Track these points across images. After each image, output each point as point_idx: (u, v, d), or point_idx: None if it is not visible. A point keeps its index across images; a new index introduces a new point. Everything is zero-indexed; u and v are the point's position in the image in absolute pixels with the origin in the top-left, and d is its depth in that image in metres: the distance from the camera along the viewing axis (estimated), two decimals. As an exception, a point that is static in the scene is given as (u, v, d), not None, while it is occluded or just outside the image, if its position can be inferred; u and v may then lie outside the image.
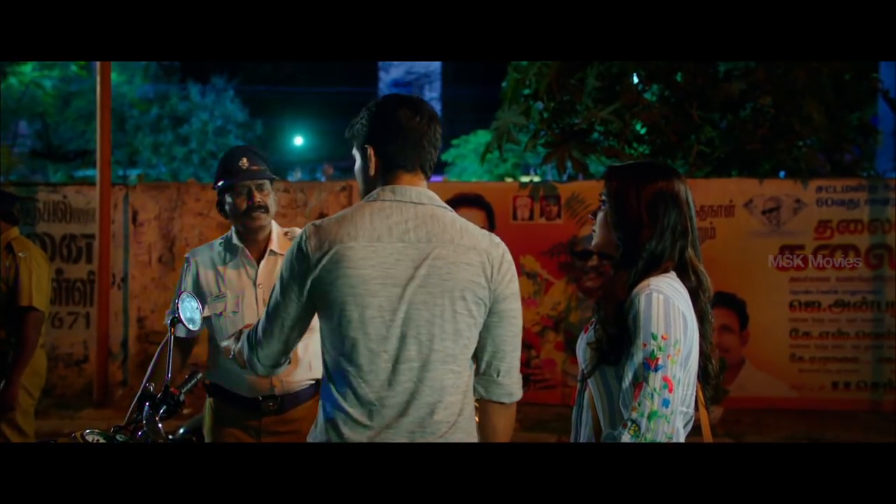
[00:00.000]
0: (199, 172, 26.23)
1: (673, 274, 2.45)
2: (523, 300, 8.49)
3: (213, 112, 27.83)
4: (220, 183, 3.55)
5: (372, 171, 2.42)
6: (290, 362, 2.53)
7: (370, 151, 2.42)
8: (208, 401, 3.63)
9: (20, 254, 4.61)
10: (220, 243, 3.62)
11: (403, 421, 2.29)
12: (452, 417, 2.33)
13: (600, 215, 2.54)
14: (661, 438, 2.30)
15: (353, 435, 2.29)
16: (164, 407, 3.04)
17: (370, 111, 2.44)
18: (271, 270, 3.55)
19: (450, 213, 2.40)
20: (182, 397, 3.11)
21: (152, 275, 8.02)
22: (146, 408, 3.04)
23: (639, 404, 2.29)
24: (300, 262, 2.33)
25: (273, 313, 2.40)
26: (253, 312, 3.49)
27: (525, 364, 7.74)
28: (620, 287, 2.42)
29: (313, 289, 2.32)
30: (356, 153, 2.49)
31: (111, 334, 7.96)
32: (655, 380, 2.29)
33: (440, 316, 2.30)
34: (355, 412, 2.30)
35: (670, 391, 2.30)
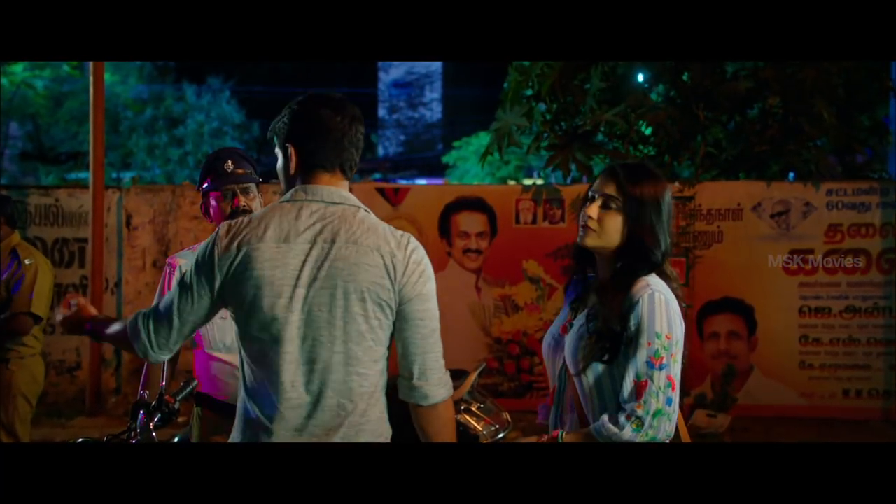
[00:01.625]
0: (195, 175, 26.16)
1: (654, 275, 2.54)
2: (526, 305, 8.41)
3: (209, 113, 27.86)
4: (204, 185, 3.55)
5: (292, 170, 2.47)
6: (171, 352, 2.56)
7: (291, 150, 2.46)
8: (195, 410, 3.63)
9: (26, 261, 4.69)
10: None
11: (310, 424, 2.35)
12: (357, 419, 2.37)
13: (611, 217, 2.55)
14: (662, 436, 2.40)
15: (262, 440, 2.39)
16: (159, 415, 3.05)
17: (292, 109, 2.48)
18: None
19: (361, 214, 2.43)
20: (177, 405, 3.12)
21: (146, 280, 8.02)
22: (140, 416, 3.04)
23: (644, 402, 2.37)
24: (208, 261, 2.41)
25: (173, 301, 2.49)
26: None
27: (528, 371, 7.74)
28: (628, 285, 2.49)
29: (224, 289, 2.40)
30: (278, 151, 2.52)
31: (104, 341, 7.96)
32: (660, 378, 2.39)
33: (341, 318, 2.35)
34: (262, 416, 2.38)
35: (673, 390, 2.41)
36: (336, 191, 2.44)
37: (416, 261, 2.39)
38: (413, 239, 2.43)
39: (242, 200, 3.51)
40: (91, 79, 8.01)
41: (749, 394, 7.58)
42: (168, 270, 3.60)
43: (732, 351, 7.57)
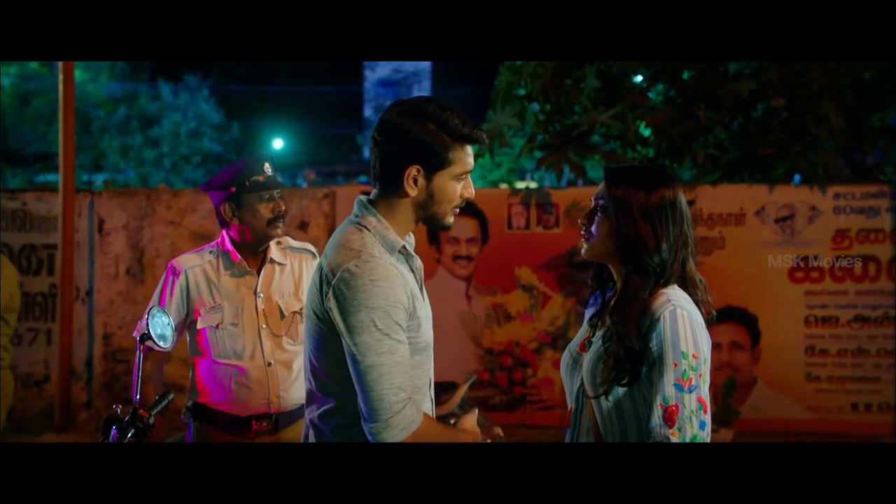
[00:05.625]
0: (171, 178, 26.20)
1: (675, 286, 2.50)
2: (519, 314, 8.41)
3: (185, 113, 27.81)
4: (243, 187, 3.62)
5: None
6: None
7: None
8: (193, 425, 3.66)
9: None
10: (212, 252, 3.68)
11: None
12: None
13: (601, 222, 2.55)
14: None
15: None
16: (133, 431, 3.04)
17: None
18: (271, 280, 3.68)
19: (346, 225, 2.52)
20: (152, 420, 3.12)
21: (119, 288, 8.01)
22: (113, 431, 3.04)
23: (678, 429, 2.30)
24: None
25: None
26: (253, 323, 3.58)
27: (520, 383, 7.75)
28: (638, 300, 2.45)
29: None
30: None
31: (74, 352, 7.95)
32: (691, 402, 2.32)
33: (307, 336, 2.53)
34: None
35: (705, 412, 2.34)
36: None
37: (344, 279, 2.36)
38: (357, 261, 2.38)
39: (281, 205, 3.68)
40: (60, 76, 8.00)
41: (753, 407, 7.60)
42: (171, 277, 3.65)
43: (735, 362, 7.58)
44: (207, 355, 3.61)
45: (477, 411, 2.77)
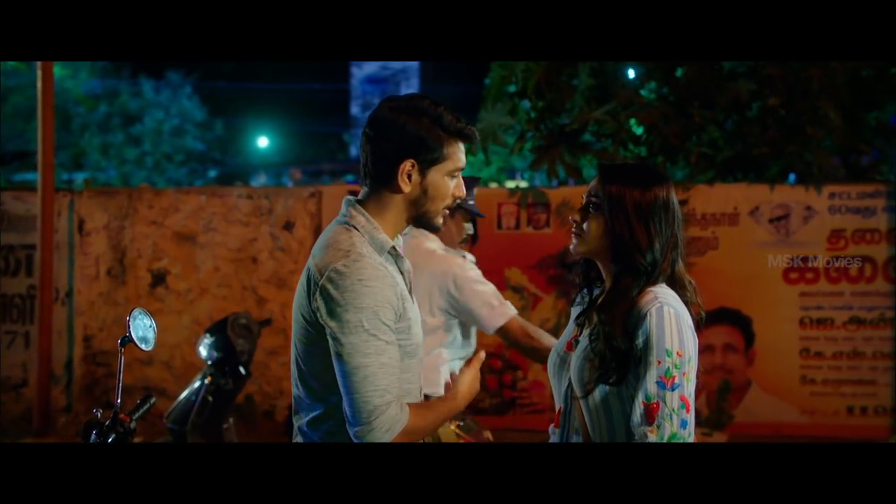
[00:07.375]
0: (153, 177, 26.13)
1: (664, 285, 2.53)
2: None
3: (168, 110, 27.74)
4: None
5: None
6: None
7: None
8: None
9: None
10: None
11: None
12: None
13: (594, 220, 2.56)
14: None
15: None
16: (114, 436, 3.03)
17: None
18: None
19: (334, 225, 2.52)
20: (133, 424, 3.10)
21: (100, 289, 7.98)
22: (93, 436, 3.03)
23: (658, 427, 2.33)
24: None
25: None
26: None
27: (510, 386, 7.75)
28: (626, 298, 2.47)
29: None
30: None
31: (54, 355, 7.91)
32: (673, 400, 2.34)
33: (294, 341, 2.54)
34: None
35: (688, 411, 2.36)
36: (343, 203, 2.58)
37: (331, 279, 2.37)
38: (347, 261, 2.38)
39: None
40: (39, 73, 7.97)
41: (747, 410, 7.61)
42: None
43: (728, 365, 7.59)
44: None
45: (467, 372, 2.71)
